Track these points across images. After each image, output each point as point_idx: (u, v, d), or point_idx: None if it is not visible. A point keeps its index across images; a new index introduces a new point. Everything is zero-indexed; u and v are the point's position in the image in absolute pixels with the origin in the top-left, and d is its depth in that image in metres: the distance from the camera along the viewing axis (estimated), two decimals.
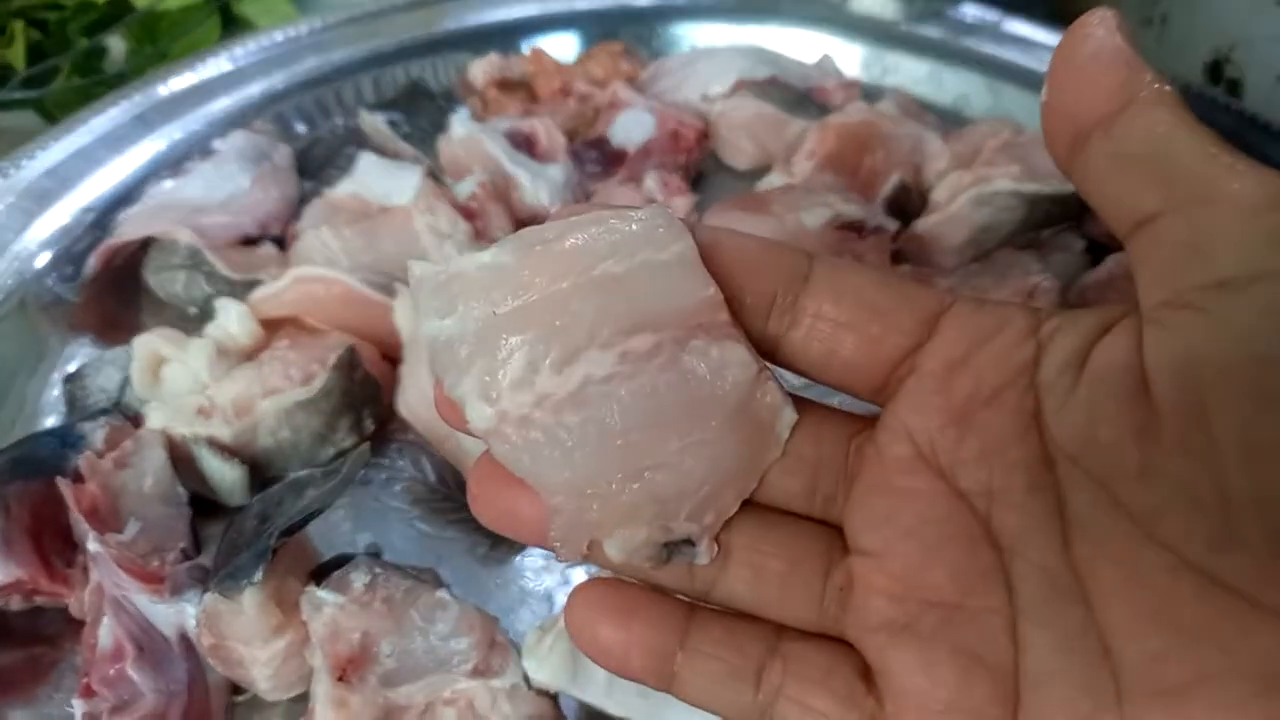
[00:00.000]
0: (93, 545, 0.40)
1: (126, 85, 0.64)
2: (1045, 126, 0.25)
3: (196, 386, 0.48)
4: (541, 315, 0.23)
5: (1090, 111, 0.23)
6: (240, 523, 0.39)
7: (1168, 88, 0.23)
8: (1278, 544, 0.20)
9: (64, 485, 0.42)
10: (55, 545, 0.42)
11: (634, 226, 0.24)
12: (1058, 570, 0.23)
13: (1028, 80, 0.70)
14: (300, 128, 0.67)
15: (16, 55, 0.87)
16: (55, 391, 0.51)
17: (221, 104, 0.64)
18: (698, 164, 0.67)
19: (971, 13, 0.74)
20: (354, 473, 0.38)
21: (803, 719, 0.25)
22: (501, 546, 0.47)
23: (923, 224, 0.58)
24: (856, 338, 0.25)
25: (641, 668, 0.26)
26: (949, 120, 0.69)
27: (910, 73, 0.73)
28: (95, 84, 0.80)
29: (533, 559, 0.47)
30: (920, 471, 0.25)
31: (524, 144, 0.62)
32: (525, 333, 0.23)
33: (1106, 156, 0.23)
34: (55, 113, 0.82)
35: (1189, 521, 0.21)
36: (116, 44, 0.89)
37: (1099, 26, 0.23)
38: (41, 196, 0.56)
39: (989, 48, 0.72)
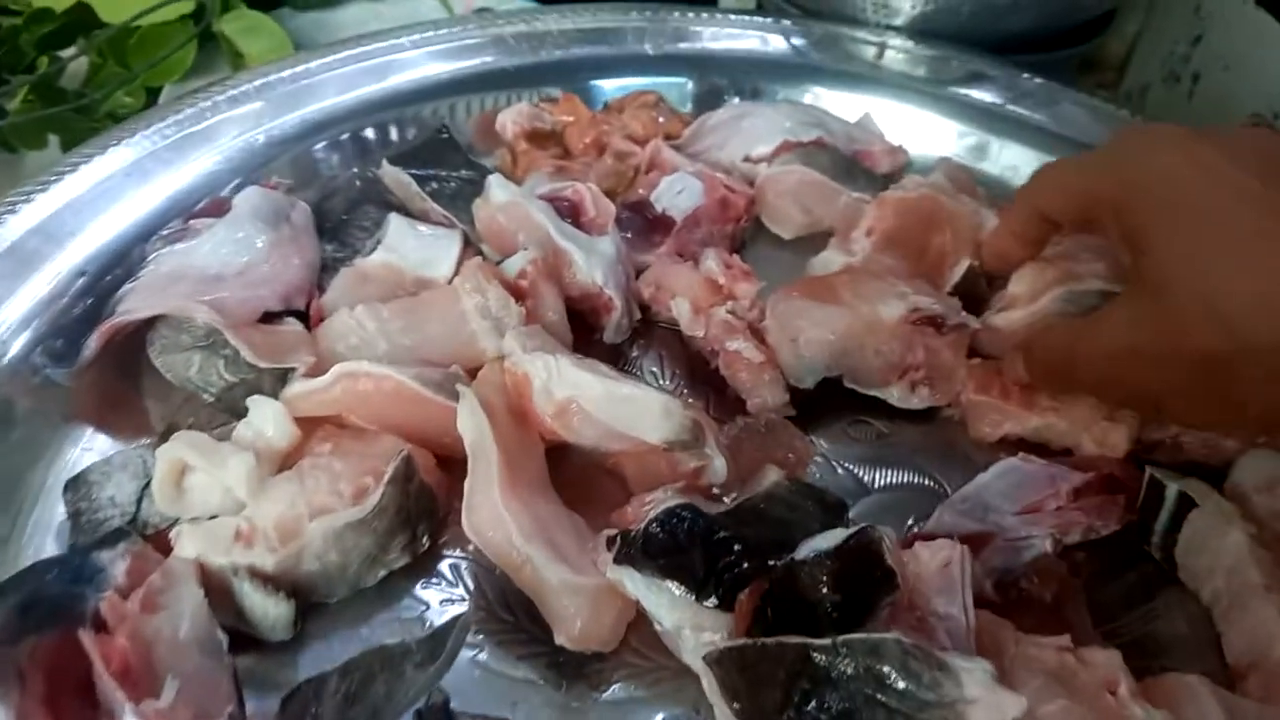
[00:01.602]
0: (130, 718, 0.34)
1: (114, 128, 0.56)
2: None
3: (230, 505, 0.42)
4: None
5: None
6: (319, 697, 0.33)
7: None
8: None
9: (88, 640, 0.35)
10: (75, 711, 0.35)
11: None
12: None
13: (1071, 153, 0.68)
14: (318, 175, 0.60)
15: None
16: (56, 502, 0.44)
17: (226, 148, 0.57)
18: (744, 232, 0.63)
19: (1015, 79, 0.72)
20: (459, 647, 0.33)
21: None
22: (580, 684, 0.42)
23: (1003, 319, 0.54)
24: None
25: None
26: (996, 192, 0.66)
27: (958, 140, 0.70)
28: (58, 112, 0.72)
29: (610, 703, 0.42)
30: None
31: (568, 211, 0.57)
32: None
33: None
34: (13, 141, 0.74)
35: None
36: (73, 56, 0.81)
37: None
38: (25, 259, 0.49)
39: (1038, 116, 0.70)
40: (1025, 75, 0.72)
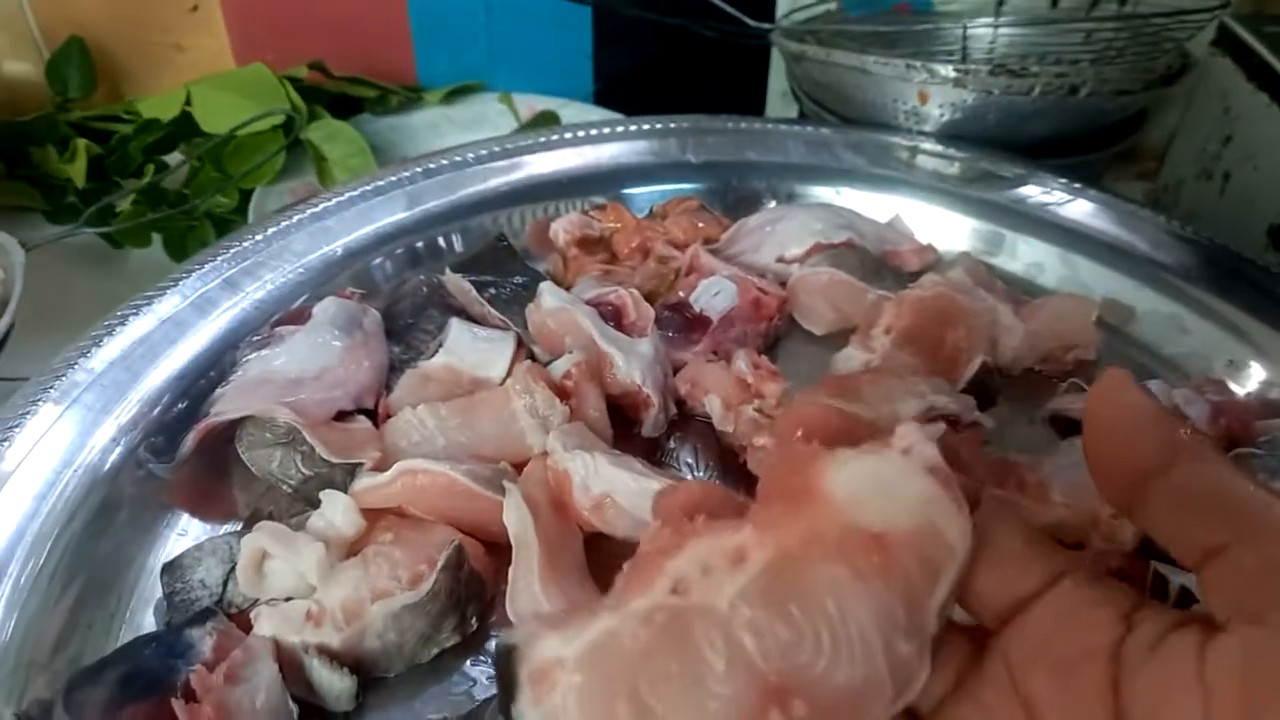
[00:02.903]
0: None
1: (212, 246, 0.64)
2: (1096, 476, 0.29)
3: (303, 588, 0.47)
4: None
5: (1141, 464, 0.27)
6: None
7: (1202, 436, 0.27)
8: None
9: (179, 708, 0.41)
10: None
11: None
12: None
13: (1098, 253, 0.71)
14: (387, 282, 0.67)
15: (78, 172, 0.88)
16: (154, 581, 0.50)
17: (308, 260, 0.64)
18: (778, 329, 0.68)
19: (1042, 179, 0.75)
20: None
21: None
22: None
23: None
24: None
25: None
26: (1019, 288, 0.70)
27: (982, 238, 0.74)
28: (163, 218, 0.80)
29: None
30: (1009, 697, 0.27)
31: (611, 315, 0.62)
32: None
33: (1169, 500, 0.27)
34: (121, 240, 0.82)
35: None
36: (175, 158, 0.90)
37: (1122, 392, 0.28)
38: (133, 366, 0.56)
39: (1062, 214, 0.73)
40: (1051, 175, 0.76)
